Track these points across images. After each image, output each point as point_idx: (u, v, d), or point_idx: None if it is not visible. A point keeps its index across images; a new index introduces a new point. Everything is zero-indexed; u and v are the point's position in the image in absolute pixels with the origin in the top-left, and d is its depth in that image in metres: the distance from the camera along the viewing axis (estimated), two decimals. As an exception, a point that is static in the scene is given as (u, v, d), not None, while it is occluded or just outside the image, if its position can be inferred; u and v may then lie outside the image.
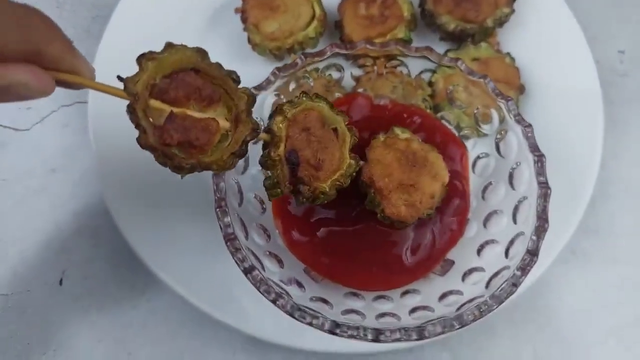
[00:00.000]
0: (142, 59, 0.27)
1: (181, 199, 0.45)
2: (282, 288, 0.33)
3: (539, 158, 0.36)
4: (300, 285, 0.35)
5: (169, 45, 0.29)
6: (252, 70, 0.48)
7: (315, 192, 0.33)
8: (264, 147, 0.34)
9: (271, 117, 0.34)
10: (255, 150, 0.40)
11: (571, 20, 0.51)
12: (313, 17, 0.49)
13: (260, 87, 0.39)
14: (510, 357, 0.44)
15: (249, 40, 0.49)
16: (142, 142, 0.27)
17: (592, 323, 0.45)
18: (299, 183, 0.33)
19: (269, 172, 0.33)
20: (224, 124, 0.30)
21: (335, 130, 0.35)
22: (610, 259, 0.47)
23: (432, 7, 0.50)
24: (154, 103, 0.28)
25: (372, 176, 0.36)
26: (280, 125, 0.33)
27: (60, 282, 0.47)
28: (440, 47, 0.51)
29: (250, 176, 0.40)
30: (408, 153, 0.37)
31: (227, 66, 0.52)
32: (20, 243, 0.47)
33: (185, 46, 0.29)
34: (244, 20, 0.49)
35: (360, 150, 0.38)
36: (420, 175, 0.36)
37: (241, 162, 0.38)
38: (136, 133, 0.27)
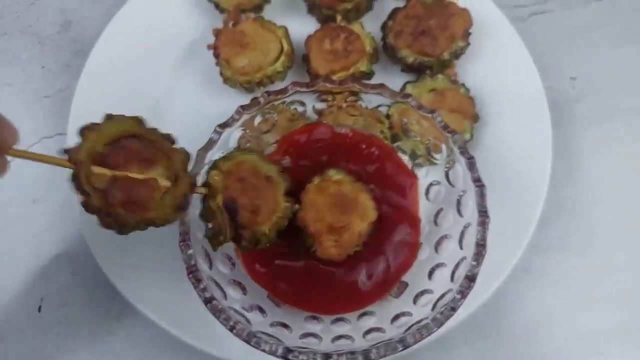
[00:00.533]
0: (84, 130, 0.31)
1: (155, 229, 0.47)
2: (242, 315, 0.36)
3: (480, 189, 0.39)
4: (262, 310, 0.38)
5: (109, 117, 0.32)
6: (224, 102, 0.53)
7: (256, 235, 0.36)
8: (203, 200, 0.37)
9: (208, 172, 0.37)
10: None
11: (522, 50, 0.54)
12: (281, 52, 0.52)
13: (225, 125, 0.42)
14: (467, 374, 0.47)
15: (221, 74, 0.52)
16: (86, 206, 0.30)
17: (545, 339, 0.48)
18: (239, 228, 0.35)
19: (209, 223, 0.36)
20: (164, 182, 0.32)
21: (269, 177, 0.38)
22: (562, 276, 0.50)
23: (392, 41, 0.53)
24: (97, 169, 0.31)
25: (305, 220, 0.39)
26: (216, 177, 0.37)
27: (39, 309, 0.49)
28: (401, 78, 0.54)
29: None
30: (339, 196, 0.40)
31: (200, 98, 0.55)
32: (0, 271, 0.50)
33: (124, 116, 0.33)
34: (216, 55, 0.52)
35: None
36: (349, 217, 0.39)
37: None
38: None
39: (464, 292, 0.36)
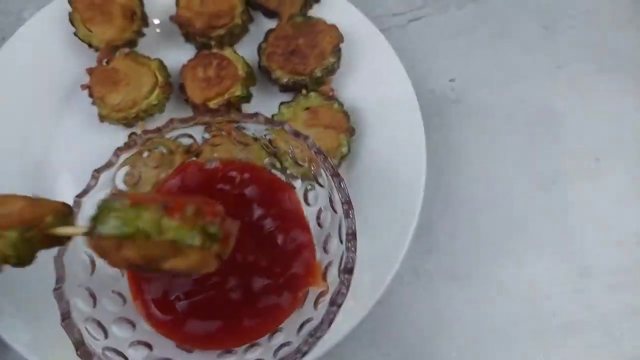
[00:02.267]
0: None
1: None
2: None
3: (339, 180, 0.41)
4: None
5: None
6: (106, 139, 0.53)
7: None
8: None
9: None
10: None
11: (394, 59, 0.54)
12: (155, 84, 0.53)
13: (102, 169, 0.42)
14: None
15: (98, 113, 0.52)
16: None
17: (439, 340, 0.50)
18: None
19: None
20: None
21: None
22: (450, 276, 0.52)
23: (266, 63, 0.54)
24: None
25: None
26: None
27: None
28: (280, 99, 0.55)
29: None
30: None
31: (82, 137, 0.54)
32: None
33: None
34: (90, 95, 0.52)
35: None
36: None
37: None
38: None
39: (346, 286, 0.37)
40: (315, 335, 0.36)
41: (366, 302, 0.47)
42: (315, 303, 0.41)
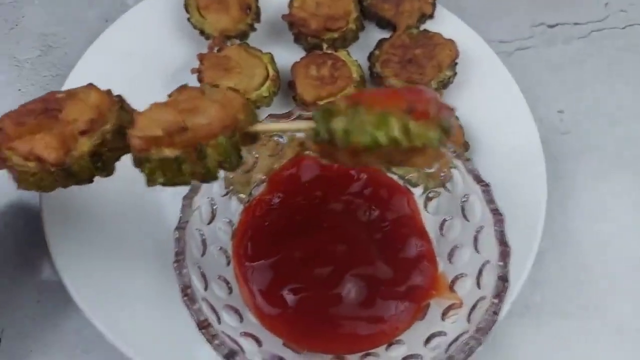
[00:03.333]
0: None
1: (132, 251, 0.45)
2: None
3: (485, 187, 0.38)
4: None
5: None
6: None
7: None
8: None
9: None
10: (223, 204, 0.41)
11: (509, 79, 0.54)
12: (267, 77, 0.51)
13: None
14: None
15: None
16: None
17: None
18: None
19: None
20: None
21: None
22: (560, 312, 0.48)
23: (380, 70, 0.53)
24: None
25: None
26: None
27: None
28: (389, 106, 0.53)
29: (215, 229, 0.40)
30: None
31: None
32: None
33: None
34: (200, 80, 0.50)
35: None
36: None
37: (207, 213, 0.39)
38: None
39: (500, 295, 0.34)
40: (470, 345, 0.32)
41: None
42: (444, 315, 0.37)
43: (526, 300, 0.48)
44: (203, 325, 0.32)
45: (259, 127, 0.32)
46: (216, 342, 0.32)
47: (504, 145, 0.51)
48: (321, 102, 0.50)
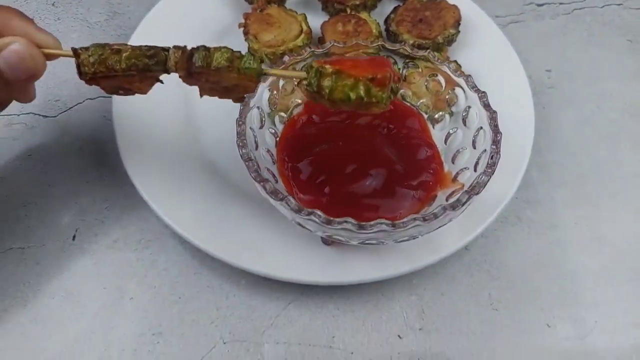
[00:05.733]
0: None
1: (193, 153, 0.55)
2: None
3: (482, 94, 0.48)
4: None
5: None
6: None
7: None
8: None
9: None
10: (269, 118, 0.51)
11: (505, 42, 0.64)
12: (301, 31, 0.62)
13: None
14: (468, 300, 0.51)
15: (248, 49, 0.61)
16: None
17: (538, 274, 0.53)
18: None
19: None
20: None
21: None
22: (550, 224, 0.56)
23: (395, 28, 0.63)
24: None
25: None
26: None
27: (74, 238, 0.53)
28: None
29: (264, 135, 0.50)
30: None
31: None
32: (40, 205, 0.54)
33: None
34: (245, 33, 0.61)
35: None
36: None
37: (258, 119, 0.49)
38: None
39: (493, 156, 0.44)
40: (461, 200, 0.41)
41: (475, 228, 0.50)
42: (448, 198, 0.46)
43: (518, 214, 0.56)
44: (260, 181, 0.42)
45: (266, 70, 0.43)
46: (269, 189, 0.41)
47: (501, 95, 0.60)
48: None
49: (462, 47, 0.64)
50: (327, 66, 0.41)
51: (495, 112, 0.46)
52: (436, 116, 0.53)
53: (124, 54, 0.40)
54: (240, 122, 0.45)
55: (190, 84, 0.43)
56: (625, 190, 0.59)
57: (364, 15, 0.63)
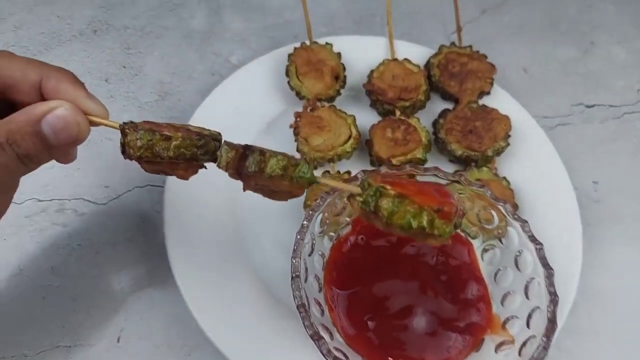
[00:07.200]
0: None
1: (240, 260, 0.56)
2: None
3: (539, 246, 0.47)
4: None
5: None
6: None
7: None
8: None
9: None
10: (319, 240, 0.51)
11: (553, 152, 0.63)
12: (350, 136, 0.62)
13: (314, 208, 0.49)
14: None
15: (298, 150, 0.61)
16: None
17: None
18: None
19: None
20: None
21: None
22: (592, 356, 0.56)
23: (444, 136, 0.63)
24: None
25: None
26: None
27: (118, 340, 0.54)
28: (449, 168, 0.63)
29: (312, 260, 0.50)
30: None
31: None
32: (88, 299, 0.55)
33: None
34: (296, 134, 0.61)
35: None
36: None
37: (309, 246, 0.49)
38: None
39: (549, 335, 0.42)
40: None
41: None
42: (497, 349, 0.46)
43: (558, 343, 0.56)
44: (315, 338, 0.41)
45: (319, 180, 0.42)
46: (324, 350, 0.41)
47: (547, 208, 0.60)
48: (394, 160, 0.60)
49: (510, 157, 0.64)
50: (389, 187, 0.40)
51: (552, 271, 0.46)
52: (485, 246, 0.53)
53: (174, 143, 0.39)
54: (295, 262, 0.45)
55: (236, 179, 0.42)
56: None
57: (413, 121, 0.63)
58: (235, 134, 0.63)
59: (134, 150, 0.39)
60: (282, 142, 0.63)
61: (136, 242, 0.59)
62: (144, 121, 0.41)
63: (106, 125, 0.41)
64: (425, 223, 0.39)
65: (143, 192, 0.62)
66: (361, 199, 0.41)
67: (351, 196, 0.43)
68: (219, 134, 0.42)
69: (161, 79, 0.72)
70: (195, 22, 0.77)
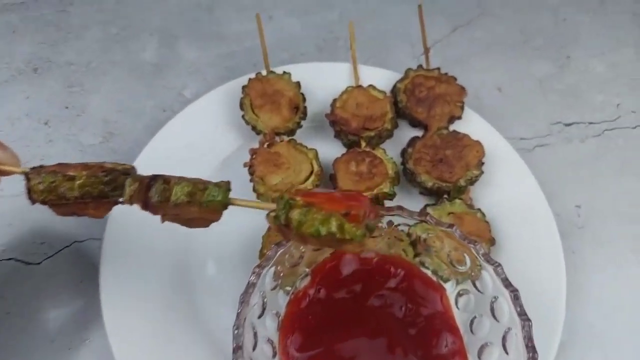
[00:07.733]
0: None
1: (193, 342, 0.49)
2: None
3: (514, 292, 0.42)
4: None
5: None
6: (257, 215, 0.55)
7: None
8: None
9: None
10: (272, 297, 0.46)
11: (530, 178, 0.59)
12: (311, 172, 0.57)
13: (262, 265, 0.44)
14: None
15: (254, 190, 0.56)
16: None
17: None
18: None
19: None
20: None
21: None
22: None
23: (412, 167, 0.58)
24: None
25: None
26: None
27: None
28: (419, 200, 0.59)
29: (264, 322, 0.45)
30: None
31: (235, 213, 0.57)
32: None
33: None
34: (251, 173, 0.56)
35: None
36: None
37: (259, 307, 0.44)
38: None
39: None
40: None
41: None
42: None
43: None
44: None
45: (233, 201, 0.40)
46: None
47: (526, 241, 0.55)
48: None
49: (485, 185, 0.59)
50: (298, 198, 0.38)
51: (529, 322, 0.41)
52: (459, 290, 0.48)
53: (78, 182, 0.38)
54: (238, 332, 0.39)
55: (152, 213, 0.40)
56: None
57: (379, 152, 0.58)
58: (186, 172, 0.57)
59: (38, 195, 0.38)
60: (238, 181, 0.56)
61: (74, 306, 0.53)
62: (54, 164, 0.40)
63: (14, 173, 0.39)
64: (334, 228, 0.37)
65: (83, 247, 0.56)
66: (274, 214, 0.39)
67: (269, 214, 0.40)
68: (132, 167, 0.41)
69: (106, 117, 0.66)
70: (146, 54, 0.72)
